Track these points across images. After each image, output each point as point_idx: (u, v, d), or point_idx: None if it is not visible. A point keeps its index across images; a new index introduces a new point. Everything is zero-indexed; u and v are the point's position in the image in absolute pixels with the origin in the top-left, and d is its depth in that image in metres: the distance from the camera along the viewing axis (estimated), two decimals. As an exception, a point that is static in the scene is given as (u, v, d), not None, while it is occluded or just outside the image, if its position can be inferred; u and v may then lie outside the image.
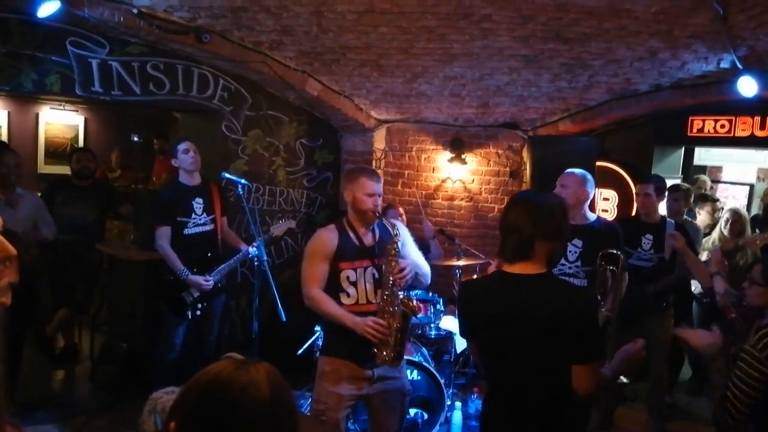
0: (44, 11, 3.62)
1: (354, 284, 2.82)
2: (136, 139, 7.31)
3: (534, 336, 1.98)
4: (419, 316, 4.00)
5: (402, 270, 2.76)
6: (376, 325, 2.69)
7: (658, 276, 3.92)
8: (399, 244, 2.80)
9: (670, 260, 3.96)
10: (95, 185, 5.05)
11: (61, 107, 7.01)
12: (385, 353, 2.71)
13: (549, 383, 2.01)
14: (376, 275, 2.83)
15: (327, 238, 2.82)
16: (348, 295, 2.81)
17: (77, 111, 7.21)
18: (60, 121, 7.14)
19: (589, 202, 3.35)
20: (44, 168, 6.99)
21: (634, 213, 4.80)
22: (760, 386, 2.17)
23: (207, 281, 3.91)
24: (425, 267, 3.00)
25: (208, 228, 4.05)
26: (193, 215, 3.98)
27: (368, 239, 2.87)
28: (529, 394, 2.04)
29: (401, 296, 2.75)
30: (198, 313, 3.98)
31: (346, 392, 2.80)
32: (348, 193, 2.85)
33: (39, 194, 4.76)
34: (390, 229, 2.86)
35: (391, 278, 2.75)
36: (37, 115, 6.94)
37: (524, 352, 2.01)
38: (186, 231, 3.96)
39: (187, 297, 3.93)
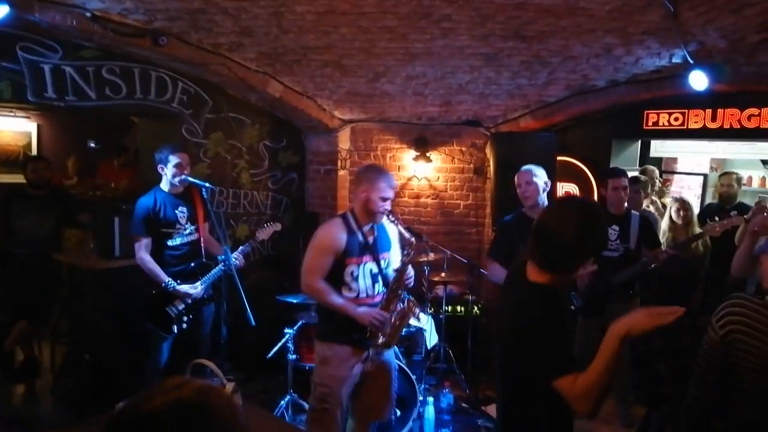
0: (-8, 16, 3.49)
1: (356, 279, 2.98)
2: (92, 145, 7.11)
3: (504, 342, 1.98)
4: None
5: (409, 277, 3.03)
6: (380, 317, 2.92)
7: (624, 266, 4.02)
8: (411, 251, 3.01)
9: (635, 250, 4.07)
10: (51, 194, 4.89)
11: (12, 114, 6.78)
12: (380, 340, 2.95)
13: (518, 399, 1.94)
14: (374, 270, 3.03)
15: (337, 235, 2.94)
16: (350, 289, 2.98)
17: (29, 117, 6.98)
18: (11, 128, 6.92)
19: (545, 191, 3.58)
20: (-4, 177, 6.77)
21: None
22: (708, 356, 2.14)
23: (195, 288, 3.76)
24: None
25: (193, 237, 3.88)
26: (178, 225, 3.81)
27: (370, 235, 3.03)
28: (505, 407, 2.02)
29: (405, 299, 3.04)
30: (184, 326, 3.79)
31: (347, 373, 2.99)
32: (362, 191, 2.97)
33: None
34: (405, 233, 3.01)
35: (400, 282, 2.99)
36: (-14, 123, 6.73)
37: (502, 359, 2.01)
38: (170, 242, 3.79)
39: (171, 311, 3.75)
